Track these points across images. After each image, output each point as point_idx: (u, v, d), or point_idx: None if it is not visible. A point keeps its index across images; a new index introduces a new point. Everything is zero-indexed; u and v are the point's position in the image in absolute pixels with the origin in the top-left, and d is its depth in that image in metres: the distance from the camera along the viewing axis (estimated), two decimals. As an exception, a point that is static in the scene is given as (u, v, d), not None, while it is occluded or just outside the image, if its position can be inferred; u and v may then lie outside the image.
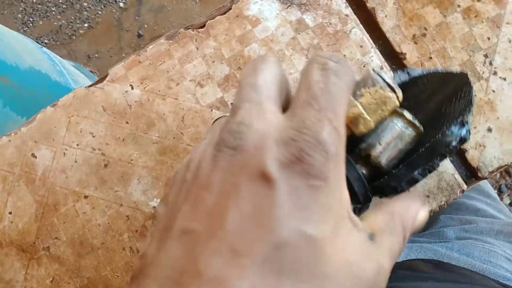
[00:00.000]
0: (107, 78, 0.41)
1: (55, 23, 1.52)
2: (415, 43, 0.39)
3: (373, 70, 0.27)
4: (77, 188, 0.40)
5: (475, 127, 0.38)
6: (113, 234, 0.39)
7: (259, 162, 0.19)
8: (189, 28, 0.41)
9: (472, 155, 0.38)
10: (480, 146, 0.38)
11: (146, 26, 1.50)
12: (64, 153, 0.41)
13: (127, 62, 0.41)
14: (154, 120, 0.40)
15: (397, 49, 0.39)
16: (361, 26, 0.40)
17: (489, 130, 0.38)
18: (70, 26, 1.51)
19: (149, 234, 0.23)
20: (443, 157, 0.28)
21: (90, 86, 0.41)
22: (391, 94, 0.26)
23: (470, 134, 0.28)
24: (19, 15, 1.52)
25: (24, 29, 1.51)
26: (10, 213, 0.40)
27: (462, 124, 0.28)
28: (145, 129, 0.40)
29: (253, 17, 0.40)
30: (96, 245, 0.39)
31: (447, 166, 0.38)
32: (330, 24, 0.40)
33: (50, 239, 0.40)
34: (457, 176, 0.38)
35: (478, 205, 0.65)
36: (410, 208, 0.25)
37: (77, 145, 0.41)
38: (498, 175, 1.39)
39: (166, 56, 0.41)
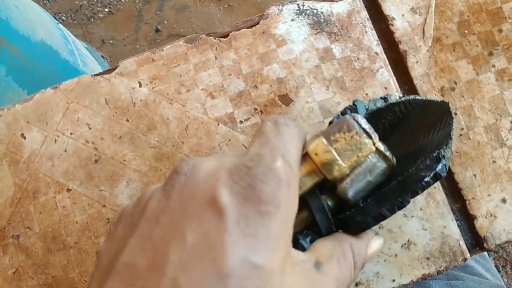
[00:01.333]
0: (116, 70, 0.39)
1: (76, 2, 1.50)
2: (442, 95, 0.37)
3: (349, 114, 0.25)
4: (61, 179, 0.38)
5: (489, 195, 0.36)
6: (90, 235, 0.37)
7: (210, 189, 0.19)
8: (211, 35, 0.39)
9: (481, 223, 0.36)
10: (491, 215, 0.36)
11: (165, 22, 1.48)
12: (55, 140, 0.38)
13: (140, 57, 0.39)
14: (156, 123, 0.38)
15: (423, 98, 0.37)
16: (389, 67, 0.38)
17: (503, 201, 0.36)
18: (90, 8, 1.50)
19: (91, 275, 0.22)
20: (414, 193, 0.26)
21: (97, 75, 0.39)
22: (367, 140, 0.24)
23: (446, 170, 0.26)
24: (42, -12, 1.51)
25: (45, 2, 1.49)
26: (-15, 191, 0.38)
27: (438, 158, 0.26)
28: (145, 131, 0.38)
29: (279, 37, 0.38)
30: (69, 243, 0.37)
31: (453, 230, 0.35)
32: (358, 59, 0.38)
33: (22, 227, 0.37)
34: (462, 243, 0.35)
35: (467, 262, 0.62)
36: (362, 238, 0.25)
37: (71, 134, 0.38)
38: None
39: (182, 59, 0.39)
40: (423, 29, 0.38)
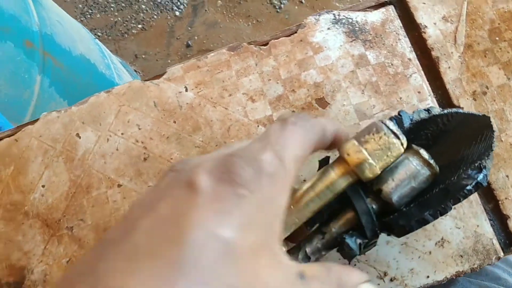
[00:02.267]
0: (164, 76, 0.42)
1: (111, 19, 1.57)
2: (474, 99, 0.38)
3: (380, 120, 0.27)
4: (113, 176, 0.41)
5: (521, 195, 0.37)
6: (138, 228, 0.39)
7: (190, 175, 0.20)
8: (252, 44, 0.42)
9: (514, 223, 0.37)
10: (524, 215, 0.37)
11: (196, 38, 1.54)
12: (108, 139, 0.41)
13: (187, 64, 0.42)
14: (201, 124, 0.41)
15: (455, 102, 0.38)
16: (422, 72, 0.39)
17: (536, 201, 0.37)
18: (124, 24, 1.57)
19: None
20: (457, 200, 0.27)
21: (147, 80, 0.42)
22: (395, 141, 0.26)
23: (487, 179, 0.27)
24: (80, 5, 1.59)
25: (82, 19, 1.57)
26: (43, 186, 0.41)
27: (480, 168, 0.27)
28: (190, 132, 0.40)
29: (316, 44, 0.41)
30: (119, 235, 0.39)
31: (486, 229, 0.37)
32: (392, 65, 0.40)
33: (76, 219, 0.40)
34: (495, 242, 0.36)
35: (500, 273, 0.62)
36: (352, 274, 0.24)
37: (122, 134, 0.41)
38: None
39: (225, 66, 0.42)
40: (455, 36, 0.39)
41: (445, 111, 0.34)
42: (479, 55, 0.39)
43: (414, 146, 0.29)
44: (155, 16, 1.56)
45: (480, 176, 0.27)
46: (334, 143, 0.27)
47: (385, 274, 0.37)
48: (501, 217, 0.37)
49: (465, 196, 0.27)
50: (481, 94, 0.38)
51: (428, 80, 0.40)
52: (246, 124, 0.40)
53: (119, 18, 1.57)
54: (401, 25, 0.41)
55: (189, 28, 1.54)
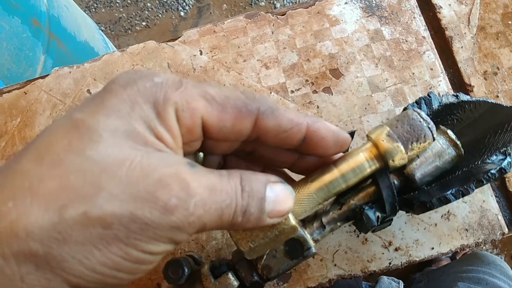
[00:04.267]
0: (180, 39, 0.42)
1: (116, 14, 1.58)
2: (485, 79, 0.39)
3: (419, 114, 0.26)
4: (121, 132, 0.40)
5: (528, 175, 0.37)
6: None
7: None
8: (269, 13, 0.42)
9: (519, 201, 0.37)
10: (529, 194, 0.37)
11: (199, 38, 1.55)
12: (119, 97, 0.41)
13: (203, 29, 0.42)
14: (213, 87, 0.41)
15: (466, 81, 0.39)
16: (435, 50, 0.40)
17: (542, 181, 0.37)
18: (129, 21, 1.57)
19: None
20: (480, 183, 0.27)
21: (162, 42, 0.42)
22: (428, 132, 0.25)
23: (511, 166, 0.28)
24: (86, -1, 1.59)
25: (86, 12, 1.57)
26: (49, 139, 0.40)
27: (505, 155, 0.28)
28: (202, 94, 0.40)
29: (333, 17, 0.42)
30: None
31: (492, 205, 0.37)
32: (406, 41, 0.40)
33: (80, 174, 0.40)
34: (501, 218, 0.37)
35: (499, 284, 0.62)
36: (257, 174, 0.22)
37: (133, 92, 0.41)
38: None
39: (241, 32, 0.42)
40: (469, 18, 0.40)
41: (473, 98, 0.34)
42: (492, 37, 0.40)
43: (442, 126, 0.29)
44: (159, 15, 1.57)
45: (505, 162, 0.28)
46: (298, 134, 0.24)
47: (390, 243, 0.36)
48: (507, 194, 0.37)
49: (488, 180, 0.27)
50: (492, 74, 0.39)
51: (440, 58, 0.40)
52: (258, 90, 0.40)
53: (124, 14, 1.58)
54: (416, 4, 0.41)
55: (193, 29, 1.55)
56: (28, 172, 0.18)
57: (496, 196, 0.37)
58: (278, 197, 0.23)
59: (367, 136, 0.26)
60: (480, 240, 0.36)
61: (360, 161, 0.25)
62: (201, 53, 0.42)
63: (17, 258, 0.17)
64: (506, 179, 0.37)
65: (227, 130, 0.22)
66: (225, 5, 1.57)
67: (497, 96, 0.39)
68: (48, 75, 0.43)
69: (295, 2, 1.53)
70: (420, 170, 0.28)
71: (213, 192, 0.20)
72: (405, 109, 0.34)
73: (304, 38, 0.41)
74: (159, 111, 0.20)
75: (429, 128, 0.25)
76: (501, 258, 1.32)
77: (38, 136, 0.19)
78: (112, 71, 0.42)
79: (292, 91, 0.40)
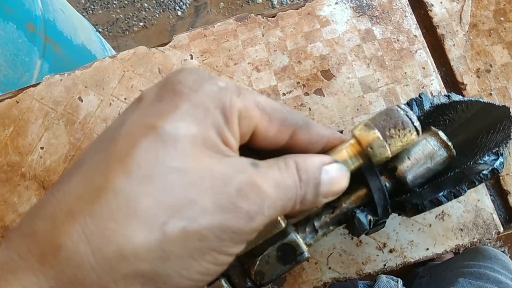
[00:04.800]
0: (170, 43, 0.42)
1: (113, 16, 1.58)
2: (478, 77, 0.39)
3: (399, 106, 0.26)
4: (113, 139, 0.40)
5: (522, 173, 0.37)
6: (136, 192, 0.39)
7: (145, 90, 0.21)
8: (259, 15, 0.42)
9: (514, 200, 0.37)
10: (524, 192, 0.37)
11: (197, 38, 1.54)
12: (110, 104, 0.41)
13: (193, 33, 0.42)
14: (205, 92, 0.40)
15: (459, 79, 0.39)
16: (427, 49, 0.40)
17: (537, 179, 0.37)
18: (126, 22, 1.57)
19: None
20: (472, 184, 0.27)
21: (152, 47, 0.42)
22: (415, 137, 0.25)
23: (503, 166, 0.28)
24: (82, 1, 1.59)
25: (83, 14, 1.57)
26: (42, 148, 0.40)
27: (497, 155, 0.28)
28: (194, 98, 0.40)
29: (323, 18, 0.41)
30: (117, 199, 0.39)
31: (487, 204, 0.36)
32: (398, 40, 0.40)
33: (74, 182, 0.40)
34: (495, 217, 0.36)
35: (501, 278, 0.62)
36: (312, 157, 0.23)
37: (125, 99, 0.41)
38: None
39: (232, 35, 0.42)
40: (460, 15, 0.40)
41: (465, 98, 0.34)
42: (484, 34, 0.40)
43: (433, 128, 0.29)
44: (157, 15, 1.57)
45: (497, 163, 0.27)
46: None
47: (384, 245, 0.36)
48: (502, 192, 0.37)
49: (481, 181, 0.27)
50: (485, 72, 0.39)
51: (432, 57, 0.40)
52: (250, 94, 0.40)
53: (121, 15, 1.58)
54: (407, 2, 0.41)
55: (190, 28, 1.55)
56: (121, 190, 0.18)
57: (490, 195, 0.37)
58: (333, 178, 0.24)
59: (351, 132, 0.26)
60: (475, 240, 0.36)
61: (343, 157, 0.25)
62: (191, 58, 0.41)
63: (126, 280, 0.18)
64: (501, 178, 0.37)
65: (270, 139, 0.24)
66: (222, 3, 1.56)
67: (490, 94, 0.38)
68: (39, 83, 0.43)
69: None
70: (412, 172, 0.28)
71: (278, 189, 0.21)
72: None
73: (294, 40, 0.41)
74: (227, 116, 0.21)
75: (408, 115, 0.25)
76: (504, 250, 1.32)
77: (113, 144, 0.19)
78: (103, 78, 0.42)
79: (284, 94, 0.40)
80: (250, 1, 1.54)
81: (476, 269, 0.66)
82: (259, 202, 0.20)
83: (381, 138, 0.25)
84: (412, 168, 0.27)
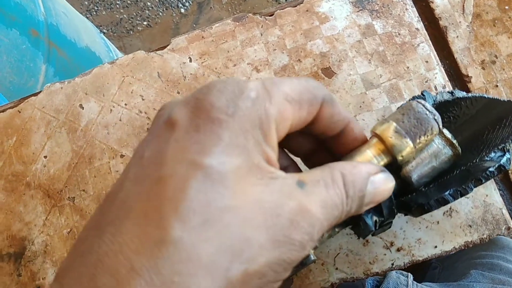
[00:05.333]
0: (168, 47, 0.42)
1: (117, 16, 1.58)
2: (483, 68, 0.38)
3: (425, 107, 0.25)
4: (116, 146, 0.40)
5: (532, 166, 0.36)
6: (140, 198, 0.39)
7: (169, 112, 0.20)
8: (257, 14, 0.42)
9: (524, 193, 0.36)
10: (534, 185, 0.36)
11: (201, 34, 1.54)
12: (111, 110, 0.41)
13: (191, 35, 0.42)
14: (205, 94, 0.40)
15: (463, 71, 0.38)
16: (430, 42, 0.39)
17: (547, 171, 0.36)
18: (130, 21, 1.57)
19: None
20: (478, 182, 0.27)
21: (151, 51, 0.42)
22: (434, 123, 0.25)
23: (510, 163, 0.27)
24: (86, 2, 1.59)
25: (87, 15, 1.57)
26: (45, 157, 0.41)
27: (504, 151, 0.27)
28: (194, 102, 0.40)
29: (322, 14, 0.40)
30: (121, 205, 0.39)
31: (495, 199, 0.36)
32: (399, 34, 0.39)
33: (78, 190, 0.40)
34: (505, 212, 0.35)
35: (514, 268, 0.61)
36: (359, 167, 0.23)
37: (126, 104, 0.41)
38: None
39: (230, 36, 0.41)
40: (463, 6, 0.39)
41: (469, 94, 0.33)
42: (488, 24, 0.39)
43: None
44: (160, 13, 1.57)
45: (504, 159, 0.27)
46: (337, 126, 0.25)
47: (392, 244, 0.36)
48: (511, 187, 0.36)
49: (487, 178, 0.26)
50: (490, 63, 0.38)
51: (435, 50, 0.39)
52: (250, 95, 0.40)
53: (125, 15, 1.58)
54: (408, -6, 0.40)
55: (194, 25, 1.54)
56: (180, 241, 0.17)
57: (499, 190, 0.36)
58: (377, 189, 0.23)
59: (372, 131, 0.26)
60: (485, 236, 0.35)
61: (368, 159, 0.25)
62: (190, 60, 0.41)
63: None
64: (510, 172, 0.36)
65: (300, 124, 0.23)
66: (224, -2, 1.56)
67: (496, 86, 0.37)
68: (40, 92, 0.43)
69: (295, -9, 1.51)
70: (417, 171, 0.27)
71: (326, 209, 0.20)
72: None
73: (294, 38, 0.40)
74: (265, 132, 0.20)
75: (435, 120, 0.25)
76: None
77: (162, 188, 0.18)
78: (103, 84, 0.42)
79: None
80: (253, -5, 1.53)
81: (489, 259, 0.65)
82: (310, 230, 0.20)
83: (412, 146, 0.24)
84: (417, 167, 0.27)
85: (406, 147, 0.24)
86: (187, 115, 0.19)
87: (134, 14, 1.57)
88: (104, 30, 1.58)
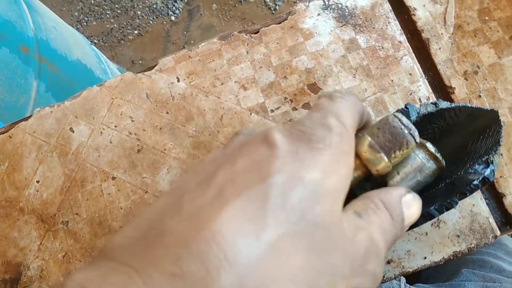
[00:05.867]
0: (156, 67, 0.42)
1: (108, 26, 1.58)
2: (466, 79, 0.38)
3: (400, 121, 0.26)
4: (107, 168, 0.40)
5: (517, 173, 0.37)
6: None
7: (265, 133, 0.20)
8: (242, 32, 0.42)
9: (510, 201, 0.36)
10: (520, 193, 0.36)
11: (192, 42, 1.54)
12: (101, 132, 0.41)
13: (178, 55, 0.42)
14: (193, 114, 0.40)
15: (447, 83, 0.38)
16: (413, 54, 0.39)
17: (532, 178, 0.37)
18: (121, 31, 1.57)
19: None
20: (463, 195, 0.27)
21: (138, 72, 0.42)
22: (409, 138, 0.25)
23: (494, 174, 0.27)
24: (76, 13, 1.59)
25: (78, 26, 1.57)
26: (37, 181, 0.41)
27: (487, 163, 0.27)
28: (183, 122, 0.40)
29: (307, 30, 0.41)
30: (115, 227, 0.39)
31: (482, 208, 0.36)
32: (382, 48, 0.40)
33: (71, 213, 0.40)
34: (492, 221, 0.36)
35: (504, 266, 0.62)
36: (390, 191, 0.24)
37: (115, 126, 0.41)
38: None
39: (216, 55, 0.42)
40: (444, 17, 0.39)
41: (453, 105, 0.33)
42: (469, 35, 0.39)
43: (421, 139, 0.29)
44: (151, 22, 1.57)
45: (487, 171, 0.27)
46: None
47: (383, 256, 0.36)
48: (497, 195, 0.37)
49: (472, 191, 0.27)
50: (473, 73, 0.38)
51: (419, 62, 0.39)
52: (239, 112, 0.40)
53: (115, 25, 1.58)
54: (390, 8, 0.41)
55: (185, 33, 1.55)
56: (275, 243, 0.17)
57: (485, 199, 0.37)
58: (411, 211, 0.24)
59: None
60: (473, 245, 0.36)
61: None
62: (178, 80, 0.41)
63: None
64: (495, 181, 0.37)
65: None
66: (214, 4, 1.56)
67: (479, 96, 0.38)
68: (30, 116, 0.43)
69: (284, -5, 1.52)
70: (402, 186, 0.27)
71: (384, 236, 0.22)
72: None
73: (279, 55, 0.41)
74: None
75: (411, 134, 0.25)
76: None
77: (260, 187, 0.18)
78: (93, 107, 0.42)
79: (272, 110, 0.40)
80: (242, 1, 1.53)
81: (480, 256, 0.66)
82: (380, 261, 0.21)
83: (387, 160, 0.25)
84: (402, 182, 0.27)
85: (381, 161, 0.25)
86: (285, 140, 0.20)
87: (125, 23, 1.58)
88: (95, 40, 1.58)
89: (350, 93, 0.25)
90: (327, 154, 0.20)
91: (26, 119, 0.43)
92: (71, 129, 0.42)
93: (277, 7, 1.52)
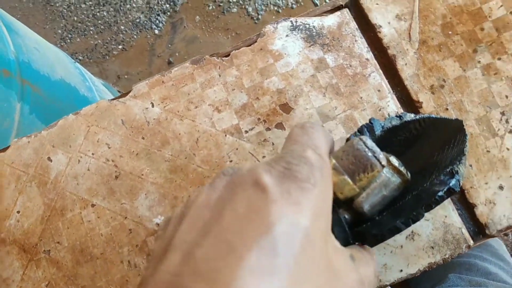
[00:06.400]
0: (130, 94, 0.43)
1: (92, 42, 1.58)
2: (433, 93, 0.39)
3: (365, 144, 0.27)
4: (86, 196, 0.41)
5: (486, 183, 0.38)
6: (114, 246, 0.40)
7: (253, 175, 0.21)
8: (214, 56, 0.43)
9: (481, 211, 0.37)
10: (490, 203, 0.37)
11: (177, 54, 1.55)
12: (79, 160, 0.42)
13: (151, 81, 0.43)
14: (169, 138, 0.41)
15: (414, 97, 0.39)
16: (380, 71, 0.40)
17: (501, 188, 0.38)
18: (105, 46, 1.58)
19: (145, 268, 0.23)
20: (428, 207, 0.27)
21: (113, 99, 0.43)
22: (375, 161, 0.26)
23: (460, 184, 0.27)
24: (59, 31, 1.59)
25: (62, 44, 1.58)
26: (18, 212, 0.41)
27: (452, 174, 0.27)
28: (159, 146, 0.41)
29: (276, 52, 0.42)
30: (96, 254, 0.40)
31: (454, 219, 0.37)
32: (350, 66, 0.41)
33: (52, 242, 0.40)
34: (464, 231, 0.37)
35: (490, 268, 0.62)
36: (374, 257, 0.28)
37: (92, 154, 0.42)
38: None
39: (189, 79, 0.42)
40: (409, 33, 0.41)
41: (417, 116, 0.34)
42: (434, 50, 0.40)
43: (384, 153, 0.29)
44: (134, 36, 1.57)
45: (453, 182, 0.27)
46: None
47: (359, 271, 0.37)
48: (468, 206, 0.38)
49: (437, 203, 0.27)
50: (439, 87, 0.39)
51: (386, 78, 0.40)
52: (214, 135, 0.41)
53: (99, 41, 1.58)
54: (356, 27, 0.42)
55: (169, 46, 1.55)
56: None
57: (457, 209, 0.38)
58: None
59: None
60: (447, 256, 0.37)
61: None
62: (152, 105, 0.42)
63: None
64: (466, 191, 0.38)
65: None
66: (197, 16, 1.57)
67: (447, 109, 0.39)
68: (8, 147, 0.43)
69: (267, 5, 1.53)
70: (368, 202, 0.28)
71: (370, 285, 0.25)
72: (348, 139, 0.34)
73: (251, 77, 0.42)
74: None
75: (375, 156, 0.26)
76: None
77: (265, 235, 0.19)
78: (69, 135, 0.42)
79: (246, 131, 0.40)
80: (225, 11, 1.54)
81: (466, 258, 0.67)
82: None
83: (351, 183, 0.26)
84: (368, 198, 0.28)
85: (345, 184, 0.26)
86: (273, 181, 0.21)
87: (109, 38, 1.58)
88: (80, 57, 1.58)
89: (318, 123, 0.27)
90: (314, 195, 0.21)
91: (4, 150, 0.43)
92: (49, 158, 0.42)
93: (259, 16, 1.54)
